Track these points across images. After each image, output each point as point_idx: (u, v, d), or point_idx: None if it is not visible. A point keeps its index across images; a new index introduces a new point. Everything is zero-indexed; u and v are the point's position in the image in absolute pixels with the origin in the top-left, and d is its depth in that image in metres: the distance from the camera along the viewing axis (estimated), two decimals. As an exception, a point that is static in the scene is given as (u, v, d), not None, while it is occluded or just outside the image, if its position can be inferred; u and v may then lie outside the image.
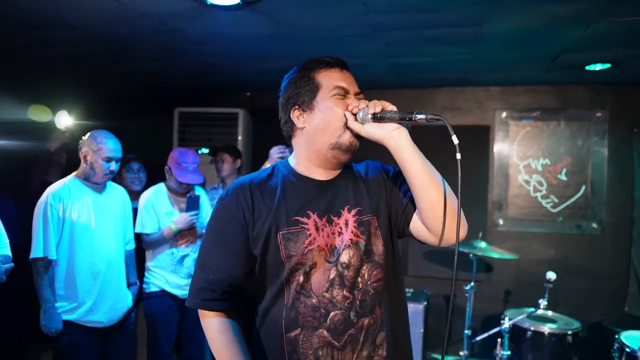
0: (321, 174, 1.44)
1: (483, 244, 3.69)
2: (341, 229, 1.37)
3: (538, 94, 4.31)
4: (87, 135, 2.72)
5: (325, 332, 1.32)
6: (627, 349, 2.87)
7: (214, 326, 1.39)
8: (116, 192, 2.88)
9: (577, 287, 4.11)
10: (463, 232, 1.32)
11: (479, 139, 4.40)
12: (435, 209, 1.33)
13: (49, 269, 2.53)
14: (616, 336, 3.03)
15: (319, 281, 1.33)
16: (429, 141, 4.37)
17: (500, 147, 4.39)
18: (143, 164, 3.72)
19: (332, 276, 1.34)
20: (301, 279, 1.33)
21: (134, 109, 4.99)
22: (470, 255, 3.63)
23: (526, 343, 3.31)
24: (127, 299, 2.83)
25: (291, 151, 3.61)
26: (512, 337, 3.34)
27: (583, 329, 3.40)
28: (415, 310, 3.86)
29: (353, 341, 1.33)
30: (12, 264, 2.31)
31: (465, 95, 4.47)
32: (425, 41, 2.99)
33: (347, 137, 1.38)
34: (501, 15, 2.51)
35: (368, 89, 4.76)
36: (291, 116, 1.44)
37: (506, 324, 3.24)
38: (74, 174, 2.73)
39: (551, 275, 3.15)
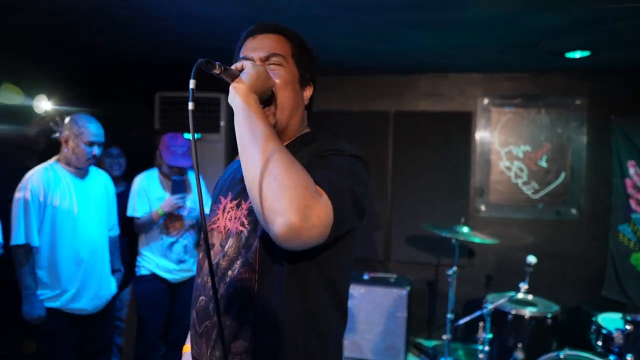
0: None
1: (465, 229, 3.73)
2: (240, 215, 1.22)
3: (519, 81, 4.36)
4: (68, 119, 2.66)
5: (194, 314, 1.27)
6: (604, 331, 2.95)
7: None
8: (99, 178, 2.82)
9: (556, 271, 4.20)
10: (282, 225, 0.94)
11: (461, 126, 4.43)
12: (251, 196, 1.01)
13: (30, 256, 2.48)
14: (593, 318, 3.12)
15: (206, 262, 1.11)
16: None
17: (482, 134, 4.43)
18: (123, 149, 3.66)
19: (215, 261, 1.22)
20: (200, 255, 1.31)
21: (115, 94, 4.90)
22: (453, 240, 3.67)
23: (507, 326, 3.37)
24: (110, 286, 2.79)
25: None
26: (494, 321, 3.40)
27: (562, 312, 3.48)
28: (399, 295, 3.90)
29: (207, 335, 1.20)
30: (2, 251, 2.27)
31: (448, 82, 4.48)
32: (399, 25, 2.98)
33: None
34: (480, 0, 2.50)
35: (348, 74, 4.74)
36: None
37: (488, 307, 3.30)
38: (54, 158, 2.66)
39: (532, 259, 3.20)
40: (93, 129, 2.63)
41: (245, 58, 1.22)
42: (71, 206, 2.58)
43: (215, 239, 1.25)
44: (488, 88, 4.42)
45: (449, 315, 3.63)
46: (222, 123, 4.37)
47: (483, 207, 4.43)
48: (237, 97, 1.10)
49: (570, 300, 4.12)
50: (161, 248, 3.14)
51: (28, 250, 2.47)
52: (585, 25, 2.84)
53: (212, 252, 1.24)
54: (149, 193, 3.15)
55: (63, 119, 2.74)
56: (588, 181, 4.24)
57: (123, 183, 3.57)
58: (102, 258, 2.73)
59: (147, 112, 4.50)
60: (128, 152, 3.74)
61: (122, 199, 3.17)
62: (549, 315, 3.33)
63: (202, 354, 1.22)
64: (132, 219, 3.15)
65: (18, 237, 2.45)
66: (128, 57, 4.08)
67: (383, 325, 3.90)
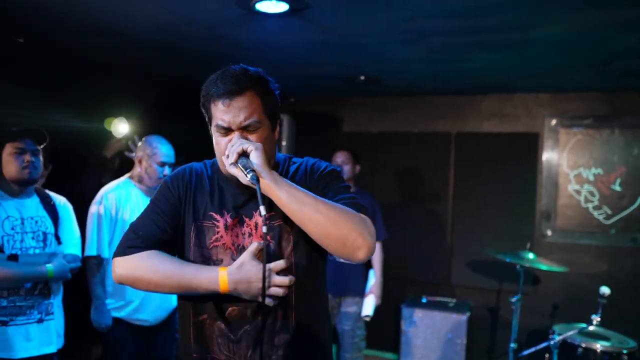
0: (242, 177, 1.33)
1: (531, 255, 3.56)
2: (251, 231, 1.40)
3: (590, 100, 4.16)
4: (142, 140, 2.84)
5: (222, 325, 1.38)
6: (688, 371, 2.70)
7: (147, 254, 1.37)
8: None
9: (631, 303, 3.91)
10: (362, 245, 1.28)
11: (527, 147, 4.28)
12: (319, 239, 1.31)
13: (101, 267, 2.64)
14: (675, 356, 2.87)
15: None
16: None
17: (550, 156, 4.25)
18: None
19: None
20: None
21: (181, 115, 5.13)
22: (518, 266, 3.51)
23: (576, 360, 3.17)
24: (172, 299, 2.89)
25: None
26: (562, 354, 3.19)
27: (639, 349, 3.22)
28: (458, 321, 3.78)
29: (248, 337, 1.37)
30: (79, 264, 2.41)
31: (514, 102, 4.36)
32: (470, 47, 2.94)
33: (230, 172, 1.35)
34: (549, 21, 2.44)
35: (411, 95, 4.74)
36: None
37: (556, 339, 3.12)
38: (127, 175, 2.84)
39: (605, 290, 3.00)
40: (165, 150, 2.79)
41: (223, 128, 1.35)
42: None
43: (222, 255, 1.40)
44: (556, 108, 4.25)
45: (512, 345, 3.47)
46: (284, 143, 4.46)
47: (549, 232, 4.22)
48: (273, 190, 1.29)
49: (648, 335, 3.82)
50: None
51: (99, 261, 2.63)
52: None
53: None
54: None
55: (139, 141, 2.91)
56: (668, 207, 3.95)
57: None
58: None
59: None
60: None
61: None
62: (625, 352, 3.09)
63: (238, 356, 1.37)
64: None
65: (90, 249, 2.61)
66: (196, 82, 4.29)
67: (441, 352, 3.79)
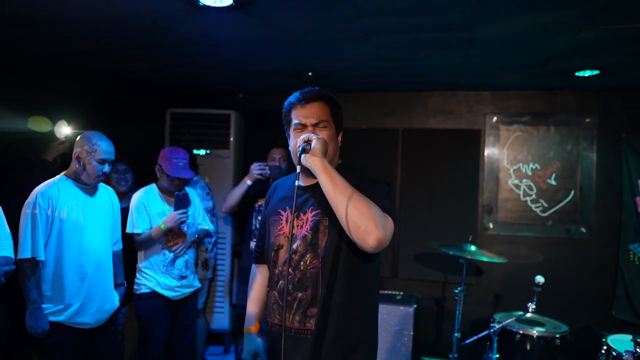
0: (304, 180, 1.80)
1: (473, 248, 3.71)
2: (303, 224, 1.77)
3: (528, 98, 4.35)
4: (80, 136, 2.70)
5: (276, 294, 1.81)
6: (614, 352, 2.89)
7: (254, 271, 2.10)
8: (105, 193, 2.85)
9: (565, 290, 4.14)
10: (373, 233, 1.52)
11: (470, 143, 4.43)
12: (340, 218, 1.59)
13: (36, 270, 2.50)
14: (603, 339, 3.06)
15: (280, 258, 1.82)
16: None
17: (491, 151, 4.42)
18: (131, 165, 3.71)
19: (287, 256, 1.74)
20: (273, 254, 1.85)
21: (126, 111, 4.98)
22: (460, 258, 3.64)
23: (515, 346, 3.32)
24: (114, 301, 2.80)
25: (271, 168, 3.66)
26: (501, 340, 3.35)
27: (571, 332, 3.42)
28: (406, 313, 3.87)
29: (290, 306, 1.75)
30: (13, 266, 2.28)
31: (457, 99, 4.50)
32: (416, 45, 3.01)
33: (296, 161, 1.71)
34: (491, 21, 2.53)
35: (359, 91, 4.79)
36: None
37: (495, 327, 3.26)
38: (63, 173, 2.70)
39: (540, 279, 3.16)
40: (105, 147, 2.66)
41: (300, 124, 1.77)
42: (78, 221, 2.60)
43: (283, 241, 1.82)
44: (497, 106, 4.43)
45: (456, 334, 3.59)
46: (231, 139, 4.42)
47: (491, 225, 4.40)
48: (316, 164, 1.63)
49: (579, 320, 4.05)
50: (163, 264, 3.11)
51: (34, 264, 2.48)
52: (593, 45, 2.85)
53: (281, 251, 1.82)
54: (149, 209, 3.12)
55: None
56: (598, 199, 4.20)
57: (129, 198, 3.61)
58: (106, 273, 2.75)
59: (158, 128, 4.56)
60: (138, 169, 3.78)
61: (126, 215, 3.17)
62: (558, 336, 3.28)
63: (286, 320, 1.74)
64: (131, 235, 3.10)
65: (24, 251, 2.45)
66: (154, 79, 4.18)
67: (389, 343, 3.87)
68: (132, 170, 3.73)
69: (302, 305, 1.73)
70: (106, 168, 2.67)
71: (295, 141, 1.73)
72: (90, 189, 2.72)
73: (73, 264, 2.58)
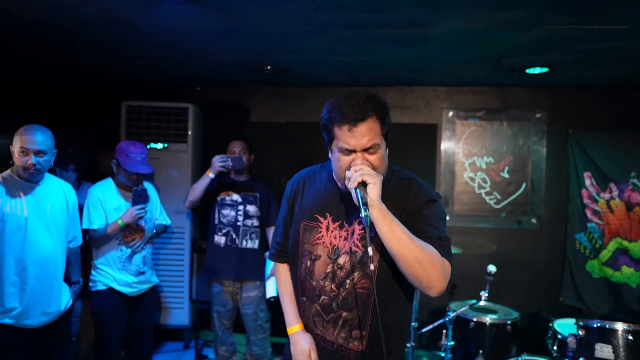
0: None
1: (429, 239, 3.79)
2: (347, 236, 1.64)
3: (482, 94, 4.49)
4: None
5: (318, 307, 1.70)
6: (559, 336, 3.05)
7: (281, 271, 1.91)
8: (58, 188, 2.70)
9: (516, 279, 4.32)
10: (436, 286, 1.49)
11: (426, 137, 4.53)
12: (403, 270, 1.50)
13: None
14: (550, 324, 3.22)
15: (319, 270, 1.68)
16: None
17: (447, 145, 4.54)
18: (77, 159, 3.64)
19: (328, 270, 1.66)
20: (308, 263, 1.71)
21: (79, 104, 4.83)
22: (417, 249, 3.72)
23: (469, 333, 3.44)
24: (60, 302, 2.65)
25: (233, 160, 3.62)
26: (456, 328, 3.47)
27: (522, 319, 3.57)
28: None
29: (334, 323, 1.67)
30: None
31: (414, 94, 4.59)
32: (374, 40, 3.05)
33: (346, 186, 1.53)
34: (446, 18, 2.60)
35: (318, 86, 4.79)
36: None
37: (450, 315, 3.37)
38: (10, 169, 2.56)
39: (492, 268, 3.29)
40: (27, 137, 2.44)
41: (347, 150, 1.54)
42: (21, 218, 2.46)
43: (321, 252, 1.69)
44: (452, 101, 4.54)
45: (413, 324, 3.67)
46: (189, 133, 4.36)
47: (448, 217, 4.52)
48: (374, 214, 1.45)
49: (529, 307, 4.24)
50: (120, 260, 3.05)
51: None
52: (543, 43, 2.96)
53: (319, 262, 1.69)
54: (105, 204, 3.04)
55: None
56: (547, 192, 4.39)
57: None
58: (53, 272, 2.60)
59: (114, 121, 4.45)
60: (91, 164, 3.69)
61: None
62: (509, 322, 3.42)
63: (328, 334, 1.69)
64: (86, 231, 3.01)
65: None
66: (109, 71, 4.05)
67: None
68: (77, 164, 3.64)
69: (347, 324, 1.65)
70: (33, 159, 2.44)
71: (341, 165, 1.56)
72: (37, 185, 2.57)
73: (15, 264, 2.44)
